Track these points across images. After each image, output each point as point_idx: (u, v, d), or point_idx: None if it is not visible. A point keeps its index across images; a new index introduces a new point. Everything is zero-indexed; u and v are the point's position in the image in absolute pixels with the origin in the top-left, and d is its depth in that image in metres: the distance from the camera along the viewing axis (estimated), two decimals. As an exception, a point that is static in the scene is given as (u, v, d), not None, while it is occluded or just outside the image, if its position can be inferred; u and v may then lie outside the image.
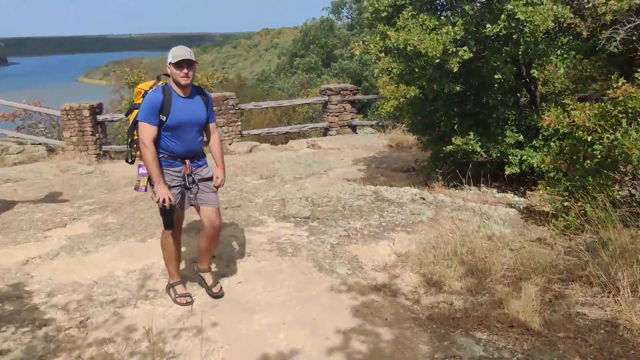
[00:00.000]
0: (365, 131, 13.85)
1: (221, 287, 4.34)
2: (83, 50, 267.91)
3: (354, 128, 13.24)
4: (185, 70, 3.88)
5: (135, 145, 4.13)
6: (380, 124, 13.02)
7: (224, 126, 11.82)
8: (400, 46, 6.13)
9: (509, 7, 5.76)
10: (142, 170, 4.06)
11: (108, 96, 25.98)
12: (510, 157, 6.76)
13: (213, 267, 4.82)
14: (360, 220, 5.88)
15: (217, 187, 4.26)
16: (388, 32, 6.29)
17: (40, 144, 12.29)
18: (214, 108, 11.78)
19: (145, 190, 4.11)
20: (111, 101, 21.93)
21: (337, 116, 12.95)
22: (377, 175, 8.44)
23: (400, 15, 6.48)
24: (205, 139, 4.29)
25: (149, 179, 4.01)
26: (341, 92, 12.95)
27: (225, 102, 11.86)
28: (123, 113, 14.20)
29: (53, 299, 4.29)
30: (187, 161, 4.09)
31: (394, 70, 6.37)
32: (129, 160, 4.26)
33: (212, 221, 4.18)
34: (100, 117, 11.58)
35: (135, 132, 4.09)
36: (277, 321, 3.92)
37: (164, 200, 3.87)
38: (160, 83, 4.10)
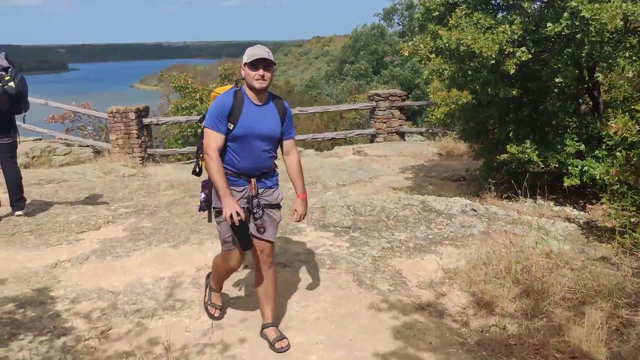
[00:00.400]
0: (414, 138, 13.42)
1: (288, 343, 3.54)
2: (139, 57, 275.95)
3: (402, 135, 12.82)
4: (260, 72, 3.36)
5: (202, 155, 3.59)
6: (430, 131, 12.56)
7: (268, 131, 11.59)
8: (453, 46, 5.72)
9: (573, 3, 5.28)
10: (203, 195, 3.60)
11: (158, 101, 26.33)
12: (569, 168, 6.23)
13: (243, 274, 4.53)
14: (405, 232, 5.49)
15: (297, 221, 3.68)
16: (440, 32, 5.89)
17: (87, 146, 12.39)
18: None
19: (206, 215, 3.66)
20: (161, 105, 22.18)
21: (384, 122, 12.56)
22: (425, 184, 8.01)
23: (452, 14, 6.07)
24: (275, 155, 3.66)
25: (212, 205, 3.53)
26: (390, 97, 12.57)
27: (270, 106, 11.62)
28: (170, 116, 14.23)
29: (77, 306, 4.08)
30: (253, 180, 3.49)
31: (445, 72, 5.96)
32: (196, 172, 3.76)
33: (266, 258, 3.58)
34: (145, 121, 11.56)
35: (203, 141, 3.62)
36: (310, 340, 3.59)
37: (232, 216, 3.23)
38: (238, 87, 3.60)
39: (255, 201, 3.49)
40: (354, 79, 33.52)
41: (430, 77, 6.27)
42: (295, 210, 3.63)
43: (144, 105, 11.78)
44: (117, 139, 11.40)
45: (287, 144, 3.66)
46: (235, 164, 3.46)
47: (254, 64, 3.37)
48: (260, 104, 3.48)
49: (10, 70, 5.56)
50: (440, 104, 9.37)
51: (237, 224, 3.24)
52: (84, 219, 6.06)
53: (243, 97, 3.45)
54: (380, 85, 30.09)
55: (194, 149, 12.75)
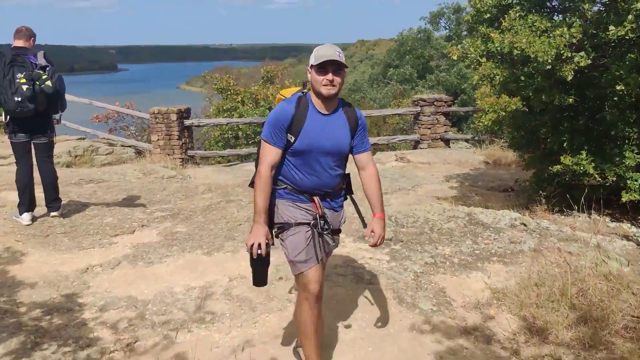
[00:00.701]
0: (459, 145, 13.03)
1: None
2: (186, 59, 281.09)
3: (447, 142, 12.44)
4: (329, 76, 2.85)
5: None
6: (476, 138, 12.14)
7: (309, 135, 11.39)
8: (505, 50, 5.38)
9: (639, 5, 4.89)
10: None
11: (202, 102, 26.52)
12: (629, 182, 5.81)
13: (279, 288, 4.31)
14: (449, 246, 5.17)
15: (373, 246, 3.14)
16: (491, 34, 5.57)
17: (129, 146, 12.45)
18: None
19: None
20: (204, 107, 22.29)
21: (429, 128, 12.21)
22: (470, 195, 7.65)
23: (505, 16, 5.73)
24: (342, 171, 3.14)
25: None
26: (435, 103, 12.21)
27: (311, 110, 11.42)
28: (211, 118, 14.20)
29: (104, 314, 3.93)
30: (317, 199, 3.02)
31: (497, 77, 5.63)
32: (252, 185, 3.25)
33: (315, 286, 3.00)
34: (187, 122, 11.51)
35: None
36: (345, 363, 3.34)
37: (253, 247, 2.84)
38: (303, 91, 3.10)
39: (322, 222, 3.01)
40: (398, 84, 33.07)
41: (480, 82, 5.94)
42: (372, 232, 3.09)
43: (185, 107, 11.75)
44: (158, 139, 11.39)
45: (362, 157, 3.13)
46: (296, 180, 3.01)
47: (322, 67, 2.87)
48: (327, 113, 2.98)
49: (48, 69, 5.49)
50: (488, 110, 9.00)
51: (254, 257, 2.86)
52: (119, 221, 5.95)
53: (307, 104, 2.96)
54: (425, 90, 29.58)
55: (235, 152, 12.78)
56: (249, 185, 3.15)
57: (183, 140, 11.48)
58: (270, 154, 2.94)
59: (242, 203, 6.59)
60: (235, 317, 3.91)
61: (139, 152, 12.11)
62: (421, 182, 8.75)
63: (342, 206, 3.21)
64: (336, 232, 3.16)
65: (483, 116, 9.74)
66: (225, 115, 14.00)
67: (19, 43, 5.57)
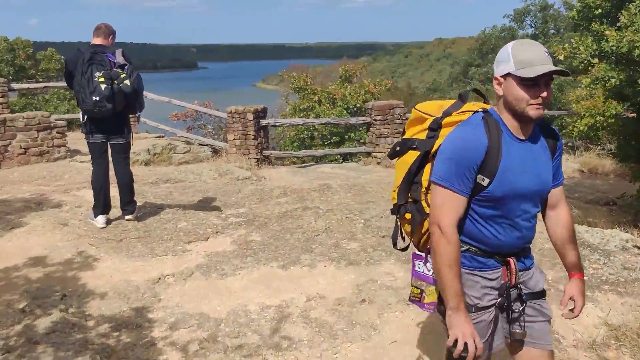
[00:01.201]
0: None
1: None
2: (262, 57, 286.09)
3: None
4: (543, 93, 2.00)
5: (409, 219, 2.31)
6: (569, 144, 11.26)
7: (388, 137, 10.94)
8: (623, 49, 4.73)
9: None
10: (422, 270, 2.30)
11: (277, 101, 26.52)
12: None
13: (361, 312, 3.89)
14: (552, 270, 4.58)
15: (571, 317, 2.40)
16: (606, 32, 4.92)
17: (206, 145, 12.41)
18: (378, 117, 10.98)
19: (435, 310, 2.28)
20: (280, 106, 22.20)
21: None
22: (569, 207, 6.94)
23: (623, 11, 5.06)
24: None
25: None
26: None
27: (391, 111, 10.96)
28: (287, 118, 13.98)
29: (174, 333, 3.65)
30: (512, 260, 2.20)
31: (612, 80, 4.97)
32: (403, 247, 2.49)
33: None
34: (263, 122, 11.31)
35: (413, 196, 2.29)
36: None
37: (465, 348, 2.01)
38: (472, 109, 2.20)
39: (514, 292, 2.21)
40: (480, 83, 31.86)
41: (592, 86, 5.29)
42: (572, 299, 2.36)
43: (262, 107, 11.55)
44: (234, 139, 11.25)
45: (556, 193, 2.31)
46: (487, 237, 2.16)
47: (535, 82, 1.99)
48: (524, 138, 2.13)
49: (126, 67, 5.32)
50: (584, 114, 8.22)
51: (456, 356, 2.03)
52: (193, 227, 5.72)
53: (499, 129, 2.08)
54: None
55: (310, 152, 12.48)
56: (394, 246, 2.44)
57: (259, 140, 11.28)
58: (456, 206, 2.08)
59: (319, 211, 6.22)
60: (314, 344, 3.53)
61: (215, 151, 12.04)
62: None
63: (533, 262, 2.34)
64: (542, 295, 2.31)
65: (578, 121, 8.96)
66: (301, 115, 13.73)
67: (98, 40, 5.43)
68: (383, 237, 5.33)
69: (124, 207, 5.74)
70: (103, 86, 5.19)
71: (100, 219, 5.54)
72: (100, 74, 5.21)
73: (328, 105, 13.70)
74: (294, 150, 13.10)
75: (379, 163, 10.80)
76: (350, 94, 13.61)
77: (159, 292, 4.25)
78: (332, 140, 13.12)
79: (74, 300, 4.04)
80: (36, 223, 5.62)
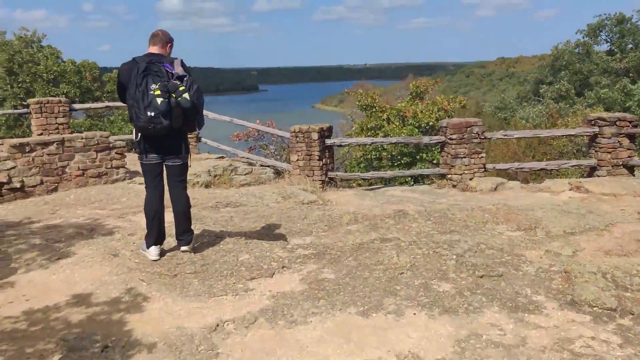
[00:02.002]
0: (646, 174, 10.91)
1: None
2: (321, 79, 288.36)
3: (631, 169, 10.40)
4: None
5: None
6: (673, 166, 10.01)
7: (465, 157, 10.01)
8: None
9: None
10: None
11: (338, 121, 25.91)
12: None
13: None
14: None
15: None
16: None
17: (268, 166, 11.86)
18: (454, 136, 10.08)
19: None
20: (342, 125, 21.55)
21: (609, 153, 10.27)
22: (694, 242, 5.86)
23: None
24: None
25: None
26: (617, 122, 10.26)
27: (468, 129, 10.04)
28: (352, 137, 13.25)
29: (234, 403, 2.92)
30: None
31: None
32: None
33: None
34: (328, 141, 10.61)
35: None
36: None
37: None
38: None
39: None
40: (552, 101, 30.22)
41: None
42: None
43: (327, 125, 10.87)
44: (297, 160, 10.60)
45: None
46: None
47: None
48: None
49: (185, 79, 4.70)
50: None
51: None
52: (256, 260, 5.02)
53: None
54: (584, 108, 26.63)
55: (378, 174, 11.69)
56: None
57: (324, 160, 10.59)
58: None
59: (400, 244, 5.41)
60: None
61: (278, 173, 11.46)
62: (613, 219, 7.02)
63: None
64: None
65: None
66: (368, 134, 12.96)
67: (154, 49, 4.85)
68: (481, 277, 4.46)
69: (179, 236, 5.10)
70: (159, 100, 4.56)
71: (153, 251, 4.92)
72: (157, 86, 4.60)
73: (398, 123, 12.87)
74: (361, 172, 12.33)
75: (454, 186, 9.90)
76: (422, 112, 12.74)
77: (216, 344, 3.54)
78: (402, 161, 12.27)
79: (116, 353, 3.38)
80: (85, 253, 5.08)
